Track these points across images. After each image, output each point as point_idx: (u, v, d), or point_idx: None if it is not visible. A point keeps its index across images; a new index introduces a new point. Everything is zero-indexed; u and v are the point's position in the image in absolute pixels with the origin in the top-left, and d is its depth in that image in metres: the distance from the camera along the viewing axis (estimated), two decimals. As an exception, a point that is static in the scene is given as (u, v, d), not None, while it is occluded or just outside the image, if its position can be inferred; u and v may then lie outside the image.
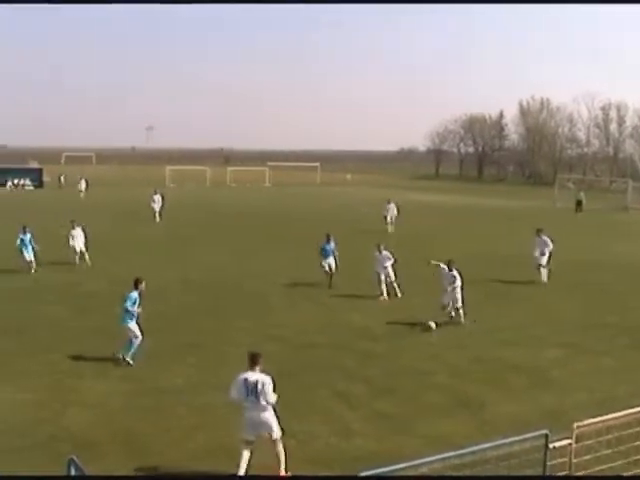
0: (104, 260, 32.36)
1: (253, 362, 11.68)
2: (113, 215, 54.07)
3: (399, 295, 25.64)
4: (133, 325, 17.49)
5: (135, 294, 17.46)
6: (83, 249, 31.44)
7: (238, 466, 11.33)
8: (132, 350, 17.39)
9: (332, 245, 28.01)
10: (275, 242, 40.78)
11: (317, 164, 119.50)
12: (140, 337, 17.49)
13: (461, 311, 21.99)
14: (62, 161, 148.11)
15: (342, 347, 19.37)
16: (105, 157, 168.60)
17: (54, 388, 15.68)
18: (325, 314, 23.21)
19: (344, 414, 14.47)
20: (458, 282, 21.90)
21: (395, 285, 25.87)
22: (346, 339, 20.17)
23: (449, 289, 21.90)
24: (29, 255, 29.33)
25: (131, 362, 17.25)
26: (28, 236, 29.68)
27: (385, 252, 25.97)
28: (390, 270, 25.90)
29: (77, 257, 31.29)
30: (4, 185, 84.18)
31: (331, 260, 27.65)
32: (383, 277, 25.78)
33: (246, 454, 11.42)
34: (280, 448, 11.58)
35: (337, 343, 19.74)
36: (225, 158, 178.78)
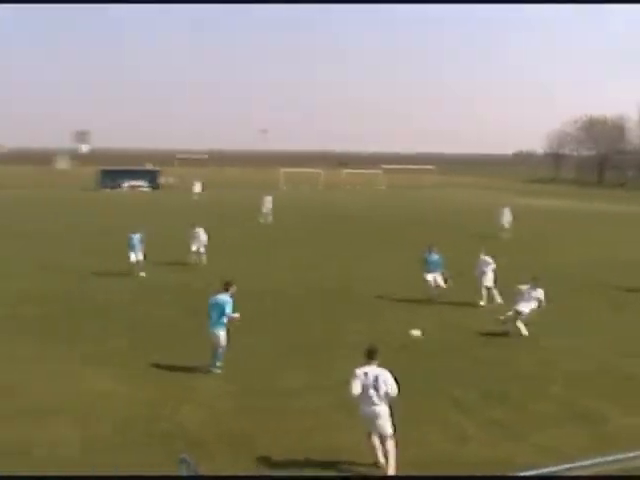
0: (217, 261, 33.06)
1: (371, 356, 11.71)
2: (226, 217, 55.12)
3: (499, 301, 24.92)
4: (223, 334, 17.12)
5: (229, 298, 17.08)
6: (202, 250, 32.36)
7: (376, 457, 11.51)
8: (218, 361, 17.22)
9: (436, 257, 26.19)
10: (388, 245, 40.72)
11: (431, 167, 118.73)
12: (225, 346, 17.20)
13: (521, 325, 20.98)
14: (175, 163, 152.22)
15: (453, 351, 19.20)
16: (219, 159, 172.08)
17: (168, 386, 16.11)
18: (435, 319, 23.00)
19: (458, 419, 14.33)
20: (541, 297, 20.91)
21: (495, 292, 25.34)
22: (456, 344, 19.98)
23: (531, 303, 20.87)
24: (135, 256, 29.91)
25: (219, 370, 17.15)
26: (137, 236, 30.36)
27: (485, 257, 25.54)
28: (489, 275, 25.38)
29: (195, 257, 32.27)
30: (121, 187, 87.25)
31: (436, 274, 25.94)
32: (485, 282, 25.33)
33: (376, 441, 11.52)
34: (391, 447, 11.56)
35: (448, 348, 19.57)
36: (340, 161, 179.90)
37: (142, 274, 29.56)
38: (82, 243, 38.98)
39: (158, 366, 17.56)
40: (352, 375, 11.66)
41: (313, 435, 13.36)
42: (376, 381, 11.43)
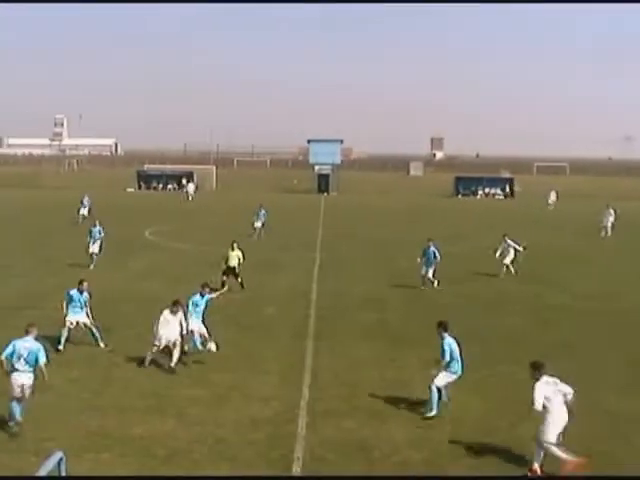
0: (567, 273, 32.36)
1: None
2: (570, 228, 53.29)
3: None
4: None
5: None
6: (507, 261, 31.87)
7: None
8: None
9: None
10: None
11: None
12: None
13: None
14: (534, 171, 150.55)
15: None
16: (579, 168, 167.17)
17: (509, 399, 16.05)
18: None
19: None
20: None
21: None
22: None
23: None
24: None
25: None
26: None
27: None
28: None
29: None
30: (475, 194, 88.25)
31: None
32: None
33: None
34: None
35: None
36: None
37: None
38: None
39: (501, 378, 17.57)
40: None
41: None
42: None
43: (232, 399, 16.06)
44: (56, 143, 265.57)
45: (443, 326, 15.54)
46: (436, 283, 28.51)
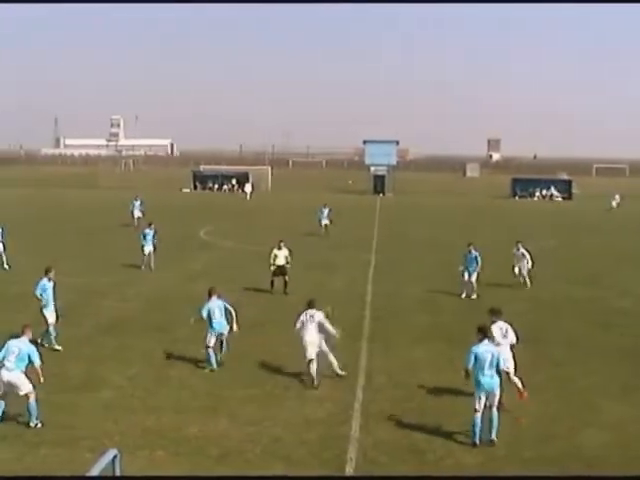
0: (629, 276, 31.86)
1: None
2: (632, 231, 52.36)
3: None
4: None
5: None
6: (523, 271, 29.59)
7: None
8: None
9: None
10: None
11: None
12: None
13: None
14: (593, 173, 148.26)
15: None
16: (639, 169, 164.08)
17: (569, 404, 15.84)
18: None
19: None
20: None
21: None
22: None
23: None
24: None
25: None
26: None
27: None
28: None
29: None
30: (532, 196, 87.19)
31: None
32: None
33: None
34: None
35: None
36: None
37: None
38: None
39: (558, 382, 17.36)
40: None
41: None
42: None
43: (286, 399, 16.11)
44: (112, 144, 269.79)
45: (482, 332, 14.30)
46: (475, 295, 27.19)
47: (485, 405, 13.74)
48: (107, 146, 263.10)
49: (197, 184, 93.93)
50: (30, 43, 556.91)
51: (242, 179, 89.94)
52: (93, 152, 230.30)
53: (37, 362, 14.43)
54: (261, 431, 14.22)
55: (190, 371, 17.94)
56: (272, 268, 27.81)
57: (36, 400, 14.22)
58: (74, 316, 23.03)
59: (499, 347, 14.85)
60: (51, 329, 19.84)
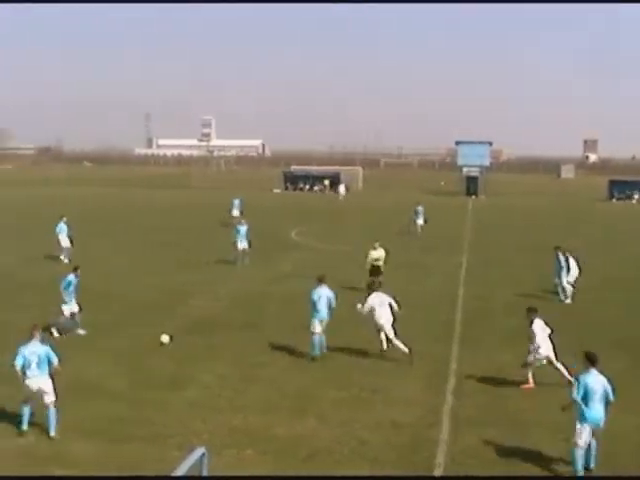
0: None
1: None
2: None
3: None
4: None
5: None
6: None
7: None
8: None
9: None
10: None
11: None
12: None
13: None
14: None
15: None
16: None
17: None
18: None
19: None
20: None
21: None
22: None
23: None
24: None
25: None
26: None
27: None
28: None
29: None
30: (631, 198, 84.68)
31: None
32: None
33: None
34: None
35: None
36: None
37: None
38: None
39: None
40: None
41: None
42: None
43: (375, 402, 16.03)
44: (204, 144, 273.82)
45: (590, 359, 12.99)
46: (562, 296, 26.68)
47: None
48: (199, 146, 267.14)
49: (288, 185, 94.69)
50: (126, 43, 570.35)
51: (333, 180, 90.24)
52: (185, 152, 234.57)
53: (55, 361, 14.35)
54: (349, 433, 14.17)
55: (279, 371, 18.01)
56: (368, 268, 27.88)
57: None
58: (165, 314, 23.44)
59: (544, 339, 16.82)
60: (68, 316, 21.27)
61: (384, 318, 19.05)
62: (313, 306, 19.26)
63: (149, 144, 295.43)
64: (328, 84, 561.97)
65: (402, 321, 22.66)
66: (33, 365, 14.10)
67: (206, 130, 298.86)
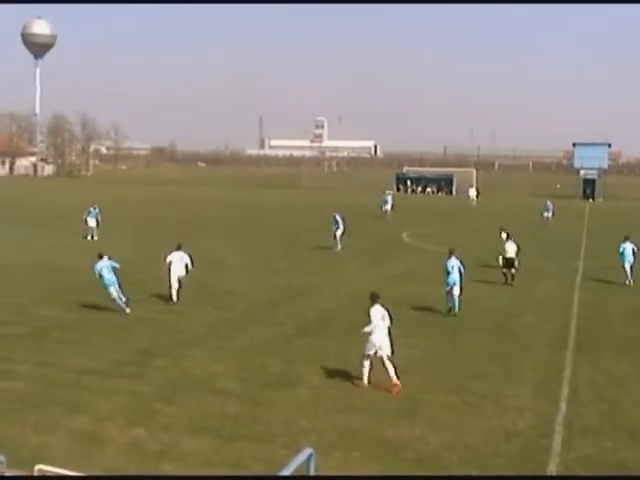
0: None
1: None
2: None
3: None
4: None
5: None
6: None
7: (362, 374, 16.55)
8: None
9: None
10: None
11: None
12: None
13: None
14: None
15: None
16: None
17: None
18: None
19: None
20: None
21: None
22: None
23: None
24: None
25: None
26: None
27: None
28: None
29: None
30: None
31: None
32: None
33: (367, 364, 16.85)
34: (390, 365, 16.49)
35: None
36: None
37: None
38: None
39: None
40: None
41: None
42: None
43: (485, 408, 15.78)
44: (316, 145, 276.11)
45: None
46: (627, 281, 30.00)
47: None
48: (311, 147, 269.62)
49: (400, 186, 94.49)
50: (238, 44, 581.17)
51: (446, 182, 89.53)
52: (297, 153, 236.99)
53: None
54: (458, 438, 13.99)
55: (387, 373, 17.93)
56: (500, 260, 29.36)
57: None
58: (277, 315, 23.70)
59: None
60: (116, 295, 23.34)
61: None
62: (447, 274, 23.87)
63: (261, 145, 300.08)
64: (442, 85, 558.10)
65: (513, 327, 22.39)
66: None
67: (318, 131, 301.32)
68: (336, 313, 24.58)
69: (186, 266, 24.84)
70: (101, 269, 23.28)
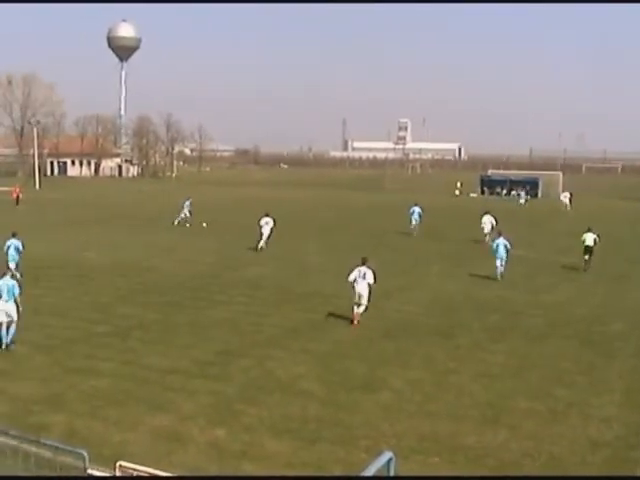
0: None
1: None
2: None
3: None
4: None
5: None
6: None
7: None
8: None
9: None
10: None
11: None
12: None
13: None
14: None
15: None
16: None
17: None
18: None
19: None
20: None
21: None
22: None
23: None
24: None
25: None
26: None
27: None
28: None
29: None
30: None
31: None
32: None
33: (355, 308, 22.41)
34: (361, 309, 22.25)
35: None
36: None
37: None
38: None
39: None
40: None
41: None
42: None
43: (570, 416, 15.50)
44: (400, 147, 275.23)
45: None
46: None
47: None
48: (394, 149, 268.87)
49: (485, 189, 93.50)
50: (323, 44, 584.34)
51: (532, 185, 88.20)
52: (380, 155, 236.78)
53: (17, 292, 19.20)
54: (541, 447, 13.77)
55: (471, 378, 17.78)
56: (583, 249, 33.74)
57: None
58: (365, 317, 23.70)
59: None
60: None
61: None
62: (495, 251, 31.11)
63: (345, 147, 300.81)
64: (529, 86, 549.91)
65: (600, 334, 21.93)
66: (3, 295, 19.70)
67: (402, 133, 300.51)
68: (420, 316, 24.47)
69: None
70: (9, 246, 28.40)
